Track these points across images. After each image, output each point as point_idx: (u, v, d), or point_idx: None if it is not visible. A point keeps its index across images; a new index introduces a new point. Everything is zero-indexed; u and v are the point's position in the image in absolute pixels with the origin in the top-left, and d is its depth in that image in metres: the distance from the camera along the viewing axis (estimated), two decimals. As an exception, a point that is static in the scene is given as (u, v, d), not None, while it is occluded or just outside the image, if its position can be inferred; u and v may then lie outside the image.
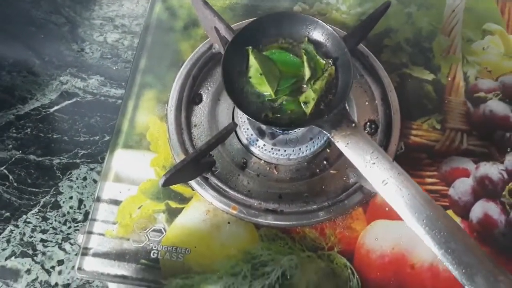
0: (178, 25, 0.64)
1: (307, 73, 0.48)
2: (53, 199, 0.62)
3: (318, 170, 0.54)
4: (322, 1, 0.66)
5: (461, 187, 0.53)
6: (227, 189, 0.52)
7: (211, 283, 0.48)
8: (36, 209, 0.61)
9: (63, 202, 0.61)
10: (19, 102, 0.71)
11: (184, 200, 0.53)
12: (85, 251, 0.50)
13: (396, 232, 0.50)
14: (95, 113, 0.69)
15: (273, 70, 0.48)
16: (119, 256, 0.50)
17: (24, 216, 0.60)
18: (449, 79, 0.60)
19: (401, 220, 0.42)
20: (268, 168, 0.55)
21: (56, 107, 0.70)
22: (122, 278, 0.49)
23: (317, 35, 0.50)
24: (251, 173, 0.54)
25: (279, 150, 0.54)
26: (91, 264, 0.49)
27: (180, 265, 0.49)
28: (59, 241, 0.58)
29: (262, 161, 0.55)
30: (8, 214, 0.61)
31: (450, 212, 0.52)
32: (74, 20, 0.79)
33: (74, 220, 0.59)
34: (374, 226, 0.51)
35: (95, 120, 0.69)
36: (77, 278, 0.53)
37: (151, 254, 0.50)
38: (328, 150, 0.55)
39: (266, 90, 0.47)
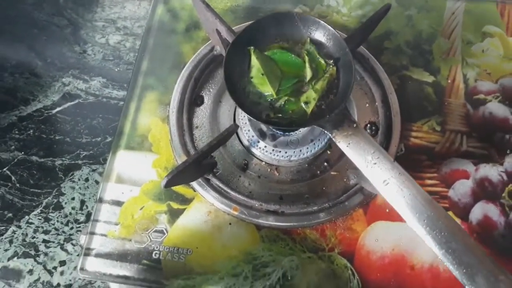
0: (180, 27, 0.65)
1: (308, 73, 0.48)
2: (55, 200, 0.62)
3: (318, 172, 0.55)
4: (322, 3, 0.66)
5: (461, 189, 0.53)
6: (229, 190, 0.52)
7: (212, 284, 0.48)
8: (38, 210, 0.61)
9: (65, 203, 0.62)
10: (22, 104, 0.71)
11: (185, 201, 0.53)
12: (87, 252, 0.50)
13: (396, 234, 0.50)
14: (97, 115, 0.70)
15: (275, 70, 0.49)
16: (121, 256, 0.50)
17: (27, 217, 0.61)
18: (449, 81, 0.60)
19: (401, 222, 0.42)
20: (269, 170, 0.55)
21: (58, 109, 0.71)
22: (124, 279, 0.49)
23: (319, 35, 0.51)
24: (252, 174, 0.55)
25: (280, 151, 0.55)
26: (93, 265, 0.50)
27: (181, 266, 0.49)
28: (61, 242, 0.58)
29: (263, 163, 0.55)
30: (10, 214, 0.61)
31: (450, 213, 0.52)
32: (76, 22, 0.79)
33: (76, 221, 0.60)
34: (374, 227, 0.51)
35: (97, 121, 0.69)
36: (79, 279, 0.53)
37: (153, 255, 0.50)
38: (328, 152, 0.56)
39: (268, 90, 0.48)
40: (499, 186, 0.53)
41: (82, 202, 0.61)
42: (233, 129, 0.51)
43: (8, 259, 0.57)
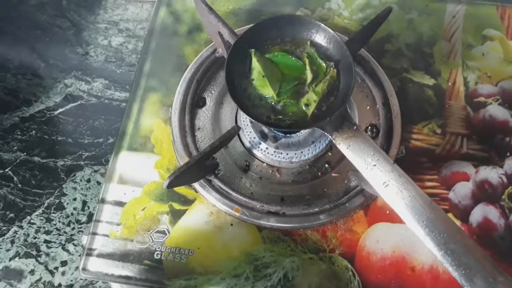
0: (182, 30, 0.65)
1: (309, 75, 0.49)
2: (57, 201, 0.62)
3: (320, 173, 0.55)
4: (324, 6, 0.67)
5: (461, 191, 0.54)
6: (230, 192, 0.52)
7: (214, 284, 0.48)
8: (40, 210, 0.61)
9: (67, 203, 0.62)
10: (24, 105, 0.72)
11: (187, 202, 0.53)
12: (89, 252, 0.51)
13: (396, 235, 0.51)
14: (99, 116, 0.70)
15: (276, 72, 0.49)
16: (123, 257, 0.50)
17: (28, 217, 0.61)
18: (450, 84, 0.60)
19: (402, 223, 0.43)
20: (270, 171, 0.56)
21: (60, 110, 0.71)
22: (126, 279, 0.50)
23: (320, 38, 0.51)
24: (254, 175, 0.55)
25: (281, 153, 0.55)
26: (95, 265, 0.50)
27: (183, 266, 0.50)
28: (63, 242, 0.58)
29: (265, 164, 0.56)
30: (12, 215, 0.61)
31: (450, 215, 0.52)
32: (79, 24, 0.80)
33: (77, 221, 0.60)
34: (375, 229, 0.52)
35: (99, 122, 0.69)
36: (81, 279, 0.54)
37: (155, 255, 0.50)
38: (329, 154, 0.56)
39: (269, 92, 0.48)
40: (499, 188, 0.54)
41: (84, 203, 0.61)
42: (235, 131, 0.51)
43: (10, 259, 0.58)
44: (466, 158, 0.55)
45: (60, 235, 0.59)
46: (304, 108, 0.48)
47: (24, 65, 0.76)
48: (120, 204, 0.53)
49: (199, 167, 0.50)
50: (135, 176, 0.55)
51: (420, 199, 0.42)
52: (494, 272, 0.38)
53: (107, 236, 0.51)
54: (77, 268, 0.53)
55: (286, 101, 0.48)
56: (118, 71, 0.74)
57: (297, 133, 0.55)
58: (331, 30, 0.50)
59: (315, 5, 0.67)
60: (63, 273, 0.55)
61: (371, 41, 0.57)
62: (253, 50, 0.50)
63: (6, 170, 0.65)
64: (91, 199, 0.61)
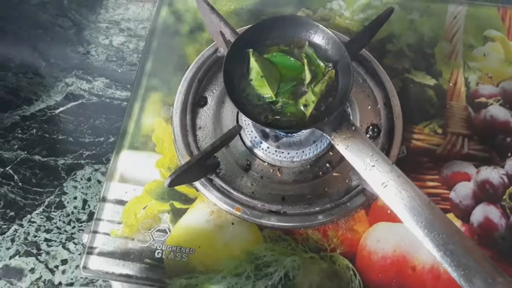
0: (184, 29, 0.65)
1: (307, 76, 0.49)
2: (57, 199, 0.62)
3: (321, 173, 0.55)
4: (325, 7, 0.67)
5: (462, 191, 0.54)
6: (231, 191, 0.52)
7: (214, 283, 0.48)
8: (40, 209, 0.61)
9: (68, 202, 0.62)
10: (25, 103, 0.72)
11: (188, 200, 0.53)
12: (90, 250, 0.50)
13: (397, 235, 0.51)
14: (100, 115, 0.70)
15: (274, 73, 0.49)
16: (124, 255, 0.50)
17: (29, 216, 0.61)
18: (451, 84, 0.61)
19: (402, 223, 0.42)
20: (271, 170, 0.55)
21: (61, 109, 0.71)
22: (127, 277, 0.49)
23: (318, 39, 0.51)
24: (255, 175, 0.55)
25: (282, 152, 0.55)
26: (96, 263, 0.50)
27: (184, 265, 0.50)
28: (63, 240, 0.58)
29: (266, 163, 0.56)
30: (12, 213, 0.61)
31: (451, 215, 0.52)
32: (80, 23, 0.80)
33: (78, 220, 0.60)
34: (376, 228, 0.52)
35: (100, 121, 0.69)
36: (81, 277, 0.54)
37: (156, 254, 0.50)
38: (331, 153, 0.56)
39: (267, 92, 0.48)
40: (500, 188, 0.54)
41: (84, 202, 0.61)
42: (236, 130, 0.51)
43: (10, 258, 0.57)
44: (467, 158, 0.55)
45: (60, 233, 0.59)
46: (302, 108, 0.48)
47: (25, 64, 0.76)
48: (121, 202, 0.53)
49: (200, 166, 0.50)
50: (136, 175, 0.55)
51: (419, 200, 0.42)
52: (493, 273, 0.38)
53: (108, 234, 0.51)
54: (77, 266, 0.53)
55: (284, 101, 0.48)
56: (119, 70, 0.74)
57: (298, 133, 0.55)
58: (329, 31, 0.50)
59: (317, 5, 0.67)
60: (63, 272, 0.55)
61: (373, 41, 0.57)
62: (251, 50, 0.50)
63: (7, 168, 0.65)
64: (92, 197, 0.61)
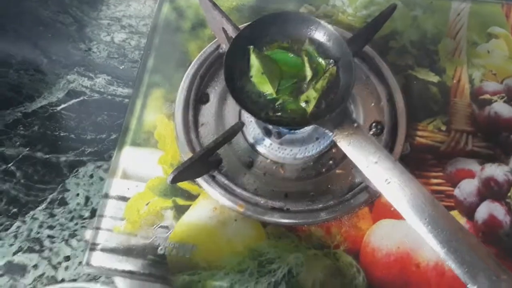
0: (186, 26, 0.65)
1: (308, 73, 0.49)
2: (60, 196, 0.62)
3: (324, 170, 0.55)
4: (328, 3, 0.67)
5: (467, 188, 0.53)
6: (234, 187, 0.52)
7: (217, 280, 0.48)
8: (43, 206, 0.61)
9: (70, 199, 0.61)
10: (27, 100, 0.71)
11: (191, 197, 0.53)
12: (93, 247, 0.50)
13: (401, 231, 0.51)
14: (102, 112, 0.69)
15: (275, 69, 0.49)
16: (127, 251, 0.50)
17: (31, 212, 0.61)
18: (455, 81, 0.60)
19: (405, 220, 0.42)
20: (274, 167, 0.55)
21: (63, 105, 0.71)
22: (129, 274, 0.49)
23: (319, 35, 0.51)
24: (258, 171, 0.55)
25: (285, 149, 0.55)
26: (99, 259, 0.50)
27: (187, 261, 0.49)
28: (66, 237, 0.58)
29: (269, 160, 0.56)
30: (15, 210, 0.61)
31: (455, 212, 0.52)
32: (81, 20, 0.79)
33: (80, 216, 0.59)
34: (379, 225, 0.51)
35: (102, 118, 0.69)
36: (84, 274, 0.53)
37: (158, 250, 0.50)
38: (334, 150, 0.56)
39: (268, 89, 0.48)
40: (505, 185, 0.53)
41: (87, 198, 0.61)
42: (239, 127, 0.51)
43: (13, 254, 0.57)
44: (471, 156, 0.55)
45: (63, 230, 0.59)
46: (303, 105, 0.47)
47: (27, 61, 0.76)
48: (124, 199, 0.53)
49: (203, 163, 0.49)
50: (138, 171, 0.54)
51: (422, 197, 0.41)
52: (498, 270, 0.38)
53: (110, 230, 0.51)
54: (80, 263, 0.53)
55: (285, 98, 0.48)
56: (121, 67, 0.73)
57: (301, 130, 0.55)
58: (331, 27, 0.49)
59: (320, 1, 0.67)
60: (66, 268, 0.55)
61: (376, 38, 0.57)
62: (251, 47, 0.50)
63: (9, 165, 0.65)
64: (94, 194, 0.61)
